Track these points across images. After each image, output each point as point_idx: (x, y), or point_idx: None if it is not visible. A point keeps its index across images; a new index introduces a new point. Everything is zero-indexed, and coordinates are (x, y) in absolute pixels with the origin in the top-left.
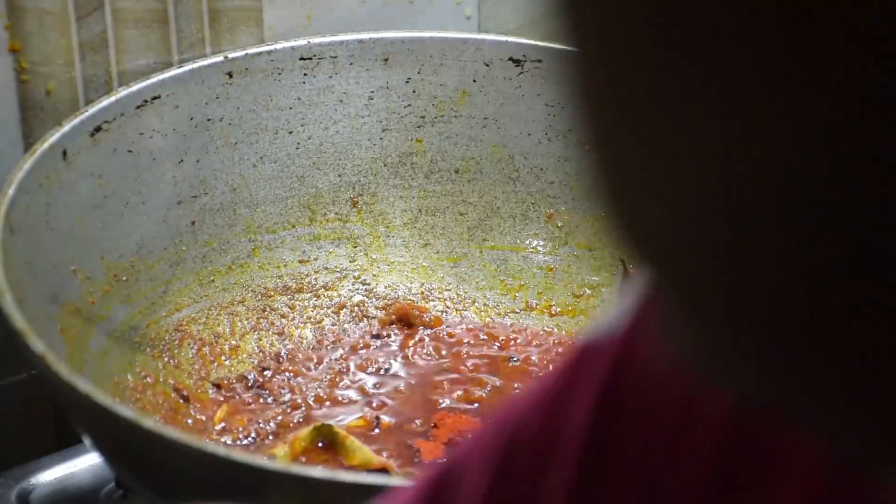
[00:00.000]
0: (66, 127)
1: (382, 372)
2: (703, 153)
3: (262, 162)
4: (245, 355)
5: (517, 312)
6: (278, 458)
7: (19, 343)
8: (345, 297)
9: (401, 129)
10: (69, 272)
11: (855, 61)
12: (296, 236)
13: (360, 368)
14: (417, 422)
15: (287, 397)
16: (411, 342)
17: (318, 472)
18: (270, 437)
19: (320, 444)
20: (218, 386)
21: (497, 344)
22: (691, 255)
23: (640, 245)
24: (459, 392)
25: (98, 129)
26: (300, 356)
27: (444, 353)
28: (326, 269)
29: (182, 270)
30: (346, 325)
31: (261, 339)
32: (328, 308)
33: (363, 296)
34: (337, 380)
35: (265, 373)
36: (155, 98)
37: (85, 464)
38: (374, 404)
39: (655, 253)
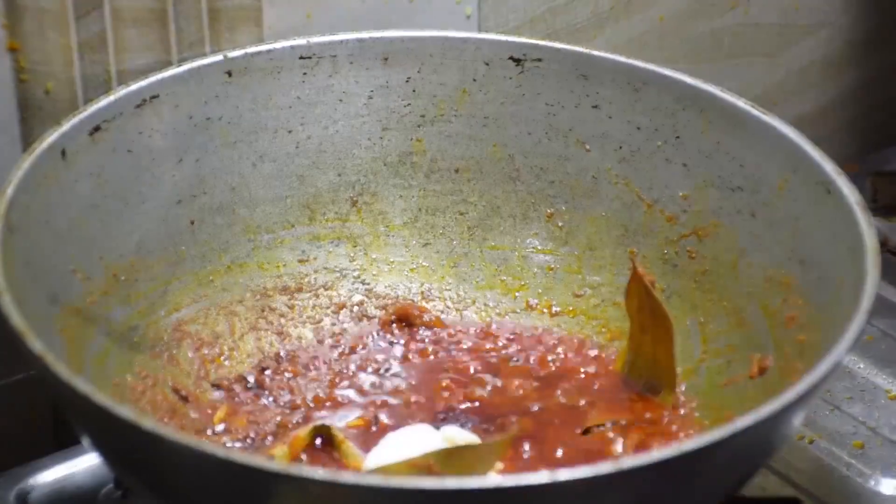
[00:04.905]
0: (66, 126)
1: (382, 372)
2: None
3: (261, 161)
4: (244, 355)
5: (517, 312)
6: (277, 459)
7: (18, 343)
8: (344, 296)
9: (401, 128)
10: (68, 272)
11: None
12: (295, 236)
13: (360, 368)
14: (417, 421)
15: (287, 398)
16: (411, 342)
17: (318, 472)
18: (270, 438)
19: (318, 442)
20: (217, 386)
21: (497, 344)
22: None
23: None
24: (459, 392)
25: (97, 129)
26: (300, 356)
27: (444, 353)
28: (326, 268)
29: (181, 270)
30: (345, 325)
31: (260, 339)
32: (328, 308)
33: (363, 295)
34: (337, 380)
35: (265, 373)
36: (154, 97)
37: (84, 464)
38: (374, 404)
39: None
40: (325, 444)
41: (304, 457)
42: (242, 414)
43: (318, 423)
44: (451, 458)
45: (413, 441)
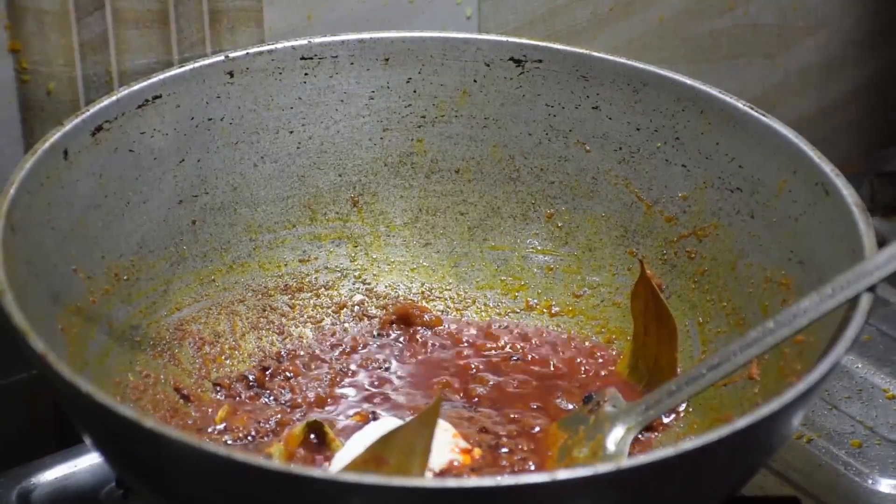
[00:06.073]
0: (68, 126)
1: (382, 371)
2: None
3: (262, 161)
4: (245, 354)
5: (517, 312)
6: (274, 456)
7: (20, 343)
8: (345, 296)
9: (401, 128)
10: (70, 271)
11: None
12: (296, 236)
13: (361, 367)
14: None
15: (287, 397)
16: (411, 342)
17: (318, 472)
18: (270, 437)
19: (313, 439)
20: (218, 385)
21: (497, 343)
22: None
23: None
24: (459, 391)
25: (99, 129)
26: (300, 356)
27: (443, 352)
28: (327, 268)
29: (183, 270)
30: (346, 325)
31: (261, 339)
32: (328, 307)
33: (363, 295)
34: (337, 379)
35: (266, 372)
36: (156, 97)
37: (85, 464)
38: (374, 403)
39: None
40: (320, 440)
41: (301, 452)
42: (243, 413)
43: (311, 419)
44: (391, 442)
45: (375, 436)
